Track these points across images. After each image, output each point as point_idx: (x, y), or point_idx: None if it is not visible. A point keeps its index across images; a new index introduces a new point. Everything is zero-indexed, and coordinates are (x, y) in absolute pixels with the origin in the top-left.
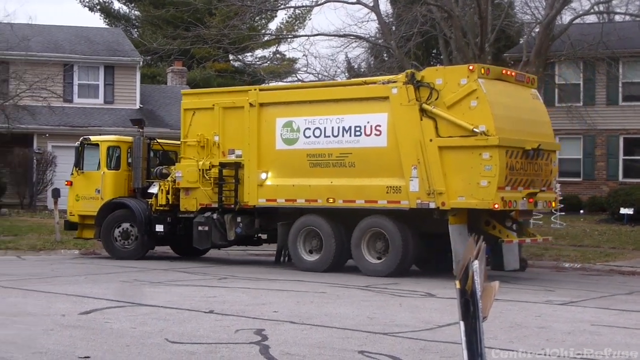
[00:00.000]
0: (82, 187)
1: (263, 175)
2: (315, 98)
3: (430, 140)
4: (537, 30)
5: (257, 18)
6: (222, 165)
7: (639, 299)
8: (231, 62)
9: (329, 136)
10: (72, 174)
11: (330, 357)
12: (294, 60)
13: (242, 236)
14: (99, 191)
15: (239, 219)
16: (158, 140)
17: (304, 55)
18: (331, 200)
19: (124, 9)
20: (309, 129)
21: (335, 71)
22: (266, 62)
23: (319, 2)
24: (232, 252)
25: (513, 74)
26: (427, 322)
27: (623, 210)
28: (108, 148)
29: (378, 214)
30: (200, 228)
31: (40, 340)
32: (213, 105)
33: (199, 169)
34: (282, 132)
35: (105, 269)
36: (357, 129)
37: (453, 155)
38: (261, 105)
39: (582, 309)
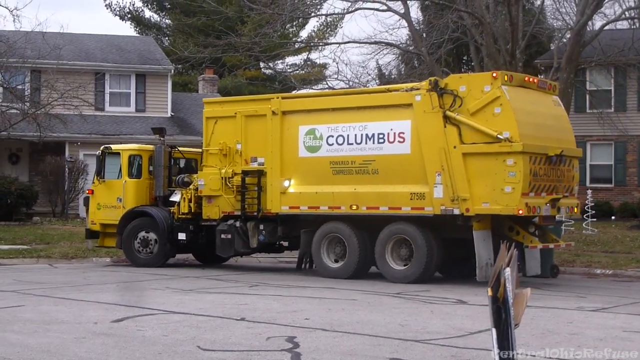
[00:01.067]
0: (103, 196)
1: (286, 183)
2: (338, 105)
3: (454, 147)
4: (568, 36)
5: (288, 26)
6: (245, 173)
7: None
8: (262, 69)
9: (352, 143)
10: (93, 182)
11: None
12: (324, 67)
13: (265, 244)
14: (120, 200)
15: (261, 227)
16: (179, 148)
17: (334, 62)
18: (354, 207)
19: (155, 17)
20: (332, 136)
21: (367, 78)
22: (297, 70)
23: (349, 10)
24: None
25: (535, 80)
26: (458, 329)
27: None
28: (129, 157)
29: (402, 220)
30: (223, 236)
31: (73, 348)
32: (235, 113)
33: (222, 177)
34: (304, 140)
35: (137, 277)
36: (381, 136)
37: (477, 162)
38: (284, 113)
39: (614, 315)
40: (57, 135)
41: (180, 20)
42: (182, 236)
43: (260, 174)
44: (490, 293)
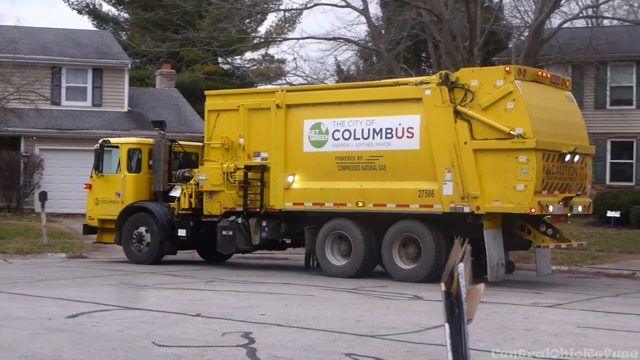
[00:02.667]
0: (101, 191)
1: (290, 179)
2: (344, 99)
3: (465, 142)
4: (526, 34)
5: (247, 21)
6: (248, 168)
7: (625, 301)
8: (220, 64)
9: (359, 138)
10: (90, 176)
11: None
12: (283, 63)
13: (268, 240)
14: (119, 195)
15: (264, 223)
16: (180, 142)
17: (293, 59)
18: (361, 204)
19: (113, 11)
20: (338, 130)
21: (325, 74)
22: (255, 65)
23: (308, 5)
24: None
25: (549, 75)
26: (414, 324)
27: (610, 214)
28: (129, 150)
29: (410, 218)
30: (224, 232)
31: (27, 344)
32: (238, 106)
33: (224, 172)
34: (309, 134)
35: (93, 272)
36: (389, 131)
37: (488, 159)
38: (288, 106)
39: (569, 311)
40: (12, 130)
41: (139, 14)
42: (182, 232)
43: (263, 169)
44: (443, 288)
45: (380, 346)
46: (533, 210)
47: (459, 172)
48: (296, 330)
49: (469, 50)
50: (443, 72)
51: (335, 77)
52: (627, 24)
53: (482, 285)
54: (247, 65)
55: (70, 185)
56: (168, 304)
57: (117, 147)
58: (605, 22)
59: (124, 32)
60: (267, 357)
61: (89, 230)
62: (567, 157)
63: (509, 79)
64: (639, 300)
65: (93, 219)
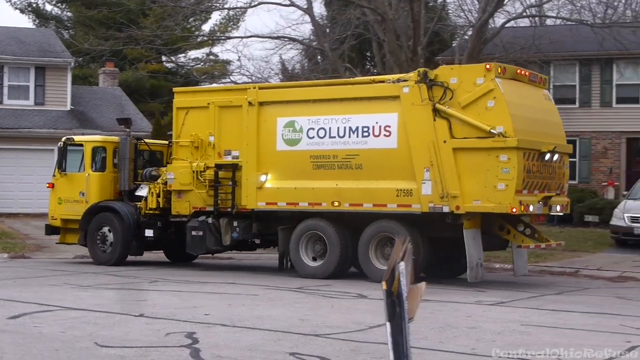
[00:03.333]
0: (64, 190)
1: (262, 178)
2: (319, 97)
3: (444, 141)
4: (469, 33)
5: (191, 19)
6: (218, 166)
7: (568, 299)
8: (164, 63)
9: (335, 137)
10: (53, 175)
11: (262, 359)
12: (227, 62)
13: (238, 241)
14: (83, 194)
15: (235, 223)
16: (145, 140)
17: (238, 58)
18: (336, 203)
19: (56, 10)
20: (313, 129)
21: (269, 73)
22: (199, 64)
23: (252, 4)
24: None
25: (527, 73)
26: (358, 323)
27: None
28: (93, 149)
29: (387, 218)
30: (194, 233)
31: None
32: (208, 103)
33: (193, 171)
34: (283, 133)
35: (35, 273)
36: (365, 129)
37: (468, 157)
38: (261, 104)
39: (512, 309)
40: None
41: (82, 12)
42: (149, 233)
43: (234, 167)
44: (384, 287)
45: (324, 345)
46: (514, 209)
47: (438, 171)
48: (240, 330)
49: (412, 50)
50: (421, 69)
51: (280, 76)
52: (570, 23)
53: (423, 284)
54: (191, 64)
55: (13, 184)
56: (111, 304)
57: (81, 145)
58: (549, 21)
59: (67, 31)
60: (211, 357)
61: (51, 230)
62: (547, 156)
63: (490, 77)
64: (582, 298)
65: (56, 219)
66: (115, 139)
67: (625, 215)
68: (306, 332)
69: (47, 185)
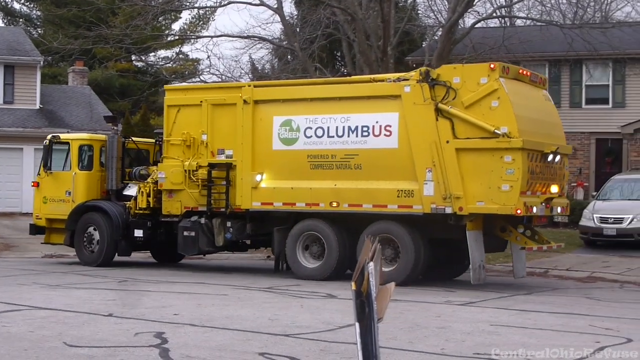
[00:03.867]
0: (50, 189)
1: (258, 177)
2: (317, 96)
3: (447, 141)
4: (439, 33)
5: (161, 18)
6: (212, 166)
7: (537, 299)
8: (133, 62)
9: (333, 136)
10: (38, 174)
11: (231, 359)
12: (197, 61)
13: (232, 242)
14: (69, 193)
15: (228, 224)
16: (133, 138)
17: (208, 57)
18: (335, 204)
19: (25, 8)
20: (311, 128)
21: (240, 73)
22: (169, 63)
23: (222, 3)
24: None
25: (528, 73)
26: (328, 323)
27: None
28: (80, 147)
29: (387, 219)
30: (185, 233)
31: None
32: (201, 101)
33: (185, 170)
34: (279, 132)
35: (3, 272)
36: (365, 128)
37: (472, 158)
38: (256, 102)
39: (482, 309)
40: None
41: (51, 11)
42: (138, 233)
43: (228, 167)
44: (354, 287)
45: (293, 345)
46: (519, 211)
47: (441, 171)
48: (209, 330)
49: (382, 50)
50: (423, 68)
51: (250, 75)
52: (540, 24)
53: (392, 284)
54: (161, 63)
55: None
56: (80, 304)
57: (68, 143)
58: (519, 22)
59: (36, 29)
60: (180, 357)
61: (36, 230)
62: (550, 157)
63: (494, 77)
64: (551, 298)
65: (41, 219)
66: (102, 137)
67: (595, 215)
68: (276, 332)
69: (32, 184)
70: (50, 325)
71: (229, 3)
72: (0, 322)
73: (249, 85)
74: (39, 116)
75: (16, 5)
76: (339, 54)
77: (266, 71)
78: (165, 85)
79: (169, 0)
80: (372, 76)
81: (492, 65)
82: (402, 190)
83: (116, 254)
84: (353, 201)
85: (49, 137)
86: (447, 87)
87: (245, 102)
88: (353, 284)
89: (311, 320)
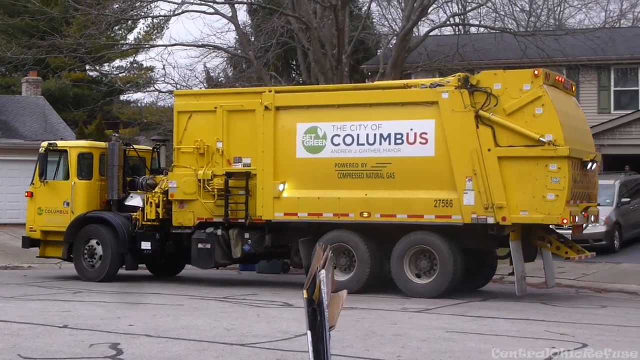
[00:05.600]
0: (46, 199)
1: (280, 187)
2: (345, 102)
3: (489, 149)
4: (394, 41)
5: (116, 28)
6: (229, 174)
7: (493, 305)
8: (87, 72)
9: (363, 144)
10: (32, 183)
11: None
12: (151, 70)
13: (249, 254)
14: (68, 204)
15: (246, 235)
16: (134, 146)
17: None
18: (366, 214)
19: None
20: (338, 135)
21: (195, 82)
22: (124, 72)
23: (176, 12)
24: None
25: (562, 80)
26: (284, 332)
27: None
28: (79, 155)
29: (422, 229)
30: (200, 245)
31: None
32: (215, 107)
33: (199, 179)
34: (304, 139)
35: None
36: (398, 136)
37: (515, 167)
38: (277, 108)
39: (438, 316)
40: None
41: (4, 20)
42: (146, 245)
43: (247, 176)
44: (305, 295)
45: (249, 354)
46: (565, 220)
47: (482, 180)
48: (165, 341)
49: (337, 58)
50: (462, 74)
51: (205, 84)
52: (493, 31)
53: (344, 292)
54: (115, 72)
55: None
56: (34, 315)
57: (65, 151)
58: (473, 29)
59: None
60: None
61: (30, 243)
62: (589, 165)
63: (537, 83)
64: (506, 304)
65: (35, 231)
66: (102, 144)
67: None
68: (232, 341)
69: (26, 194)
70: (4, 338)
71: (183, 12)
72: None
73: (270, 91)
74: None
75: None
76: (294, 62)
77: (221, 80)
78: (175, 91)
79: (123, 10)
80: (405, 82)
81: (536, 72)
82: (439, 200)
83: (120, 268)
84: (386, 211)
85: (44, 144)
86: (488, 94)
87: (266, 108)
88: (305, 292)
89: (267, 329)
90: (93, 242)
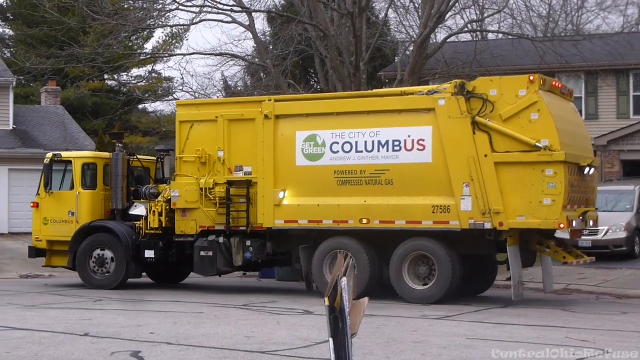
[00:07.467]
0: (51, 209)
1: (280, 194)
2: (343, 110)
3: (485, 155)
4: (411, 48)
5: (134, 37)
6: (230, 183)
7: (513, 311)
8: (106, 81)
9: (362, 151)
10: (37, 194)
11: None
12: (170, 79)
13: (251, 261)
14: (72, 213)
15: (248, 243)
16: (138, 156)
17: (181, 76)
18: (365, 220)
19: None
20: (337, 143)
21: (213, 90)
22: (142, 81)
23: (194, 21)
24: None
25: (559, 85)
26: (304, 339)
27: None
28: (83, 165)
29: (421, 235)
30: (202, 253)
31: None
32: (216, 117)
33: (200, 188)
34: (303, 147)
35: None
36: (396, 143)
37: (511, 172)
38: (277, 117)
39: (458, 322)
40: None
41: (23, 30)
42: (149, 254)
43: (248, 184)
44: (327, 303)
45: None
46: (562, 225)
47: (479, 186)
48: (185, 348)
49: (354, 65)
50: (458, 81)
51: (223, 92)
52: (510, 37)
53: (365, 299)
54: (134, 82)
55: None
56: (55, 323)
57: (70, 161)
58: (490, 35)
59: (8, 49)
60: None
61: (36, 252)
62: (586, 170)
63: (533, 89)
64: (526, 310)
65: (41, 240)
66: (106, 154)
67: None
68: (252, 349)
69: (31, 204)
70: (26, 346)
71: (200, 21)
72: None
73: (270, 100)
74: (12, 136)
75: None
76: (311, 70)
77: (239, 88)
78: (176, 101)
79: (141, 19)
80: (402, 89)
81: (531, 78)
82: (437, 206)
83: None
84: (384, 217)
85: (49, 155)
86: (484, 100)
87: (266, 117)
88: (326, 299)
89: (287, 336)
90: (100, 250)
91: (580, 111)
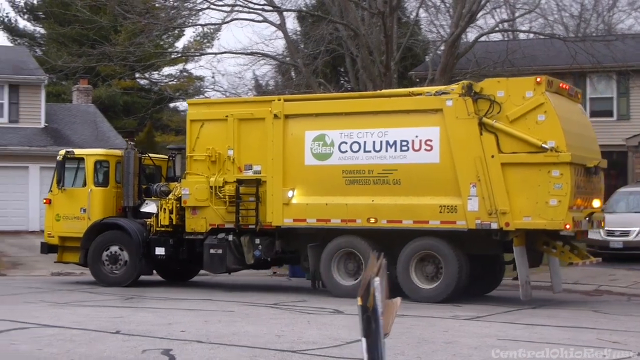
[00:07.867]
0: (63, 206)
1: (290, 193)
2: (352, 110)
3: (492, 156)
4: (442, 48)
5: (165, 36)
6: (240, 182)
7: (544, 312)
8: (137, 79)
9: (370, 151)
10: (50, 190)
11: None
12: (201, 78)
13: (260, 259)
14: (84, 210)
15: (257, 241)
16: (150, 154)
17: (213, 75)
18: (373, 220)
19: (29, 26)
20: (346, 143)
21: (244, 89)
22: (173, 80)
23: (225, 20)
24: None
25: (567, 87)
26: (334, 338)
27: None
28: (95, 162)
29: (428, 235)
30: (212, 251)
31: None
32: (226, 116)
33: (211, 186)
34: (312, 147)
35: (10, 290)
36: (404, 143)
37: (518, 173)
38: (287, 117)
39: (489, 323)
40: None
41: (55, 29)
42: (160, 251)
43: (258, 183)
44: (359, 302)
45: None
46: (568, 226)
47: (486, 186)
48: (217, 347)
49: (385, 65)
50: (465, 82)
51: (254, 91)
52: (542, 37)
53: (398, 299)
54: (165, 80)
55: None
56: (87, 321)
57: (82, 158)
58: (522, 35)
59: (40, 48)
60: None
61: (48, 248)
62: (592, 171)
63: (540, 90)
64: (557, 311)
65: (53, 237)
66: (118, 152)
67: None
68: (283, 348)
69: (44, 201)
70: (58, 343)
71: (232, 20)
72: (8, 340)
73: (279, 100)
74: (44, 135)
75: (20, 24)
76: (342, 69)
77: (270, 87)
78: (187, 100)
79: (172, 18)
80: (410, 90)
81: (538, 79)
82: (444, 206)
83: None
84: (392, 217)
85: (62, 152)
86: (491, 101)
87: (275, 116)
88: (359, 299)
89: (318, 336)
90: (114, 248)
91: (612, 112)
